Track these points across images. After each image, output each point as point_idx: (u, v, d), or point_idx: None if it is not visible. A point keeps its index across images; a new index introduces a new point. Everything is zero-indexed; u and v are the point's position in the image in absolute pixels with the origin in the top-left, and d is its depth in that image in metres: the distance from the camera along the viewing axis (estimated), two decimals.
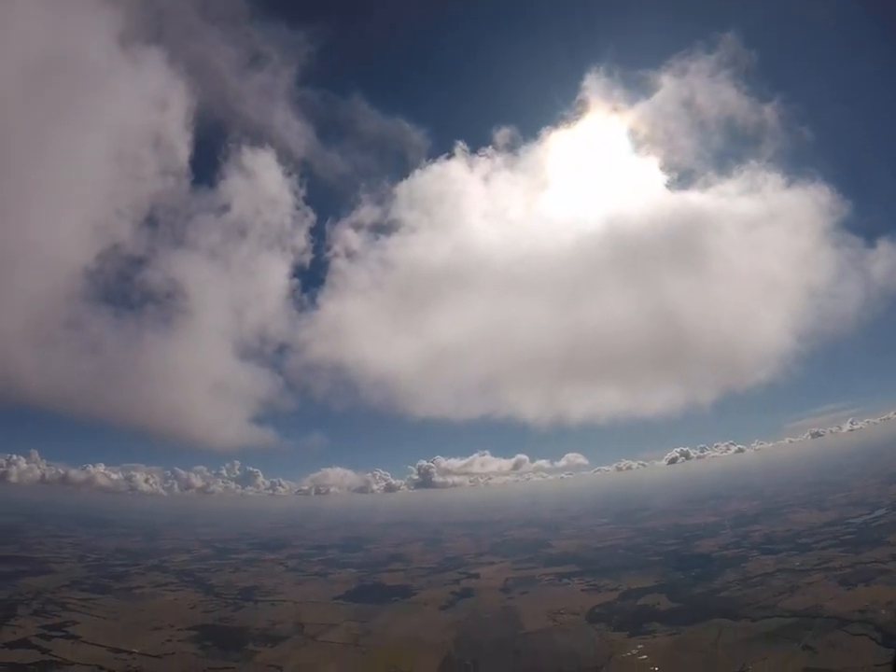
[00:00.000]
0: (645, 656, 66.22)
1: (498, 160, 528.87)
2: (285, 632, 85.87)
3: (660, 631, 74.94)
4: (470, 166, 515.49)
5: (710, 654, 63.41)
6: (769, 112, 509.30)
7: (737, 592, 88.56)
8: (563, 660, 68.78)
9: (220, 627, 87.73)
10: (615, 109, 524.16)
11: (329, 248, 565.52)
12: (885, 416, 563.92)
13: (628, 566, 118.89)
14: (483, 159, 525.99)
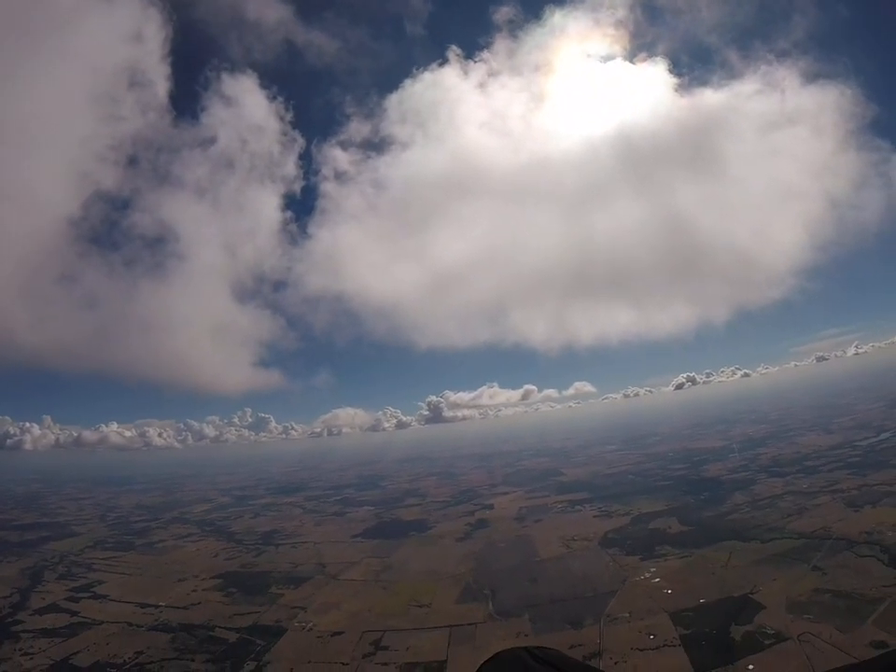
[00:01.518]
0: (658, 579, 68.25)
1: (495, 63, 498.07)
2: (307, 573, 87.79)
3: (672, 554, 76.99)
4: (465, 72, 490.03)
5: (721, 576, 65.47)
6: None
7: (746, 514, 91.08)
8: (578, 585, 70.75)
9: (244, 573, 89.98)
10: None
11: (317, 173, 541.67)
12: (890, 340, 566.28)
13: (638, 491, 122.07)
14: (479, 64, 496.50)
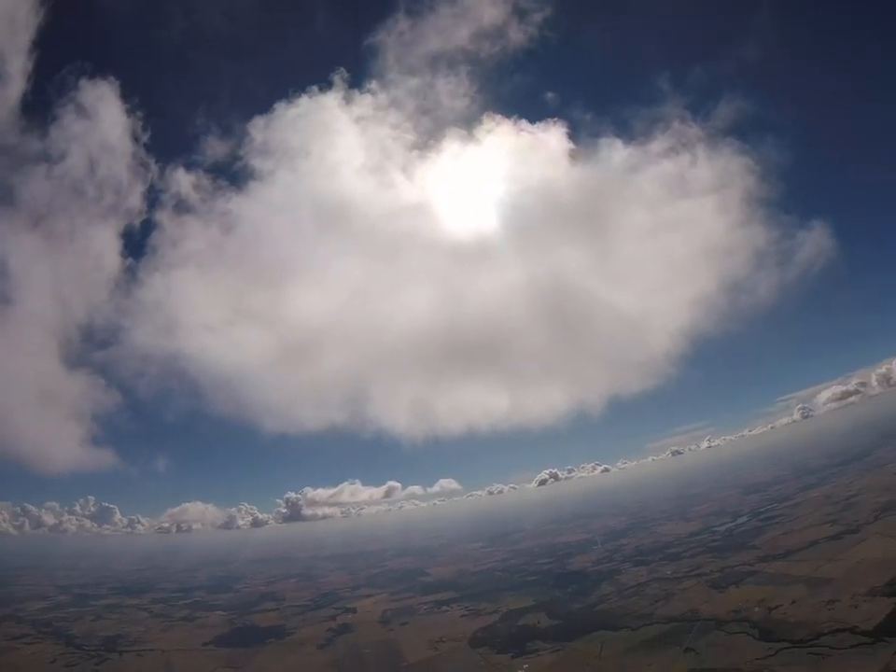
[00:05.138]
0: None
1: (382, 96, 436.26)
2: None
3: (543, 649, 76.44)
4: (348, 102, 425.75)
5: (595, 666, 65.14)
6: None
7: (614, 603, 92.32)
8: None
9: None
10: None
11: (162, 207, 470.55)
12: (740, 433, 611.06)
13: (506, 587, 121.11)
14: (365, 95, 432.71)
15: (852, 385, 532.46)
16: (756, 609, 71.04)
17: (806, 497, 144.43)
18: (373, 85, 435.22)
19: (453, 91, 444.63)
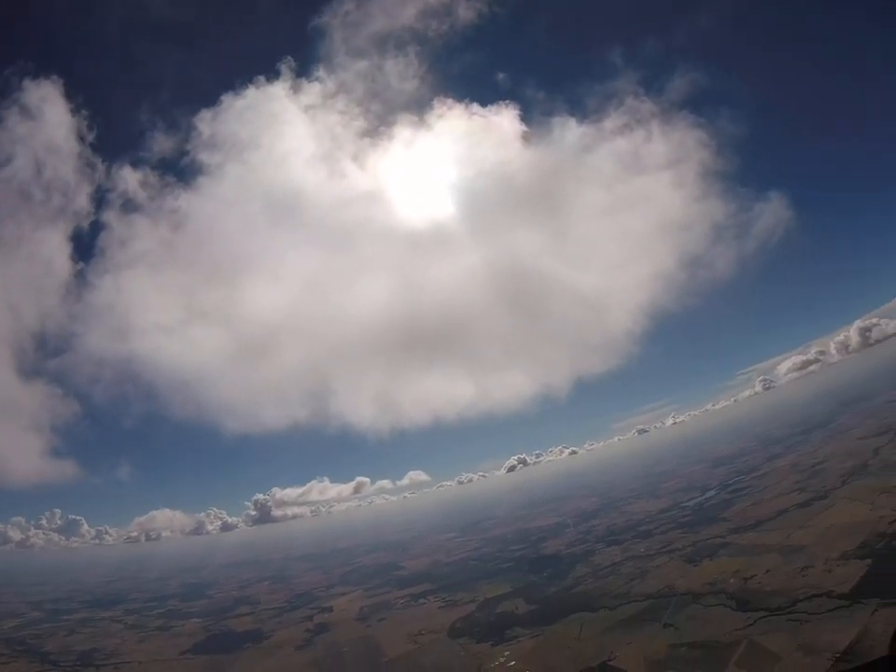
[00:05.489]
0: (513, 662, 66.72)
1: (331, 84, 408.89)
2: None
3: (523, 635, 76.14)
4: (296, 92, 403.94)
5: (576, 649, 64.85)
6: None
7: (591, 585, 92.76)
8: None
9: None
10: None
11: (109, 206, 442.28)
12: (704, 408, 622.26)
13: (481, 576, 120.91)
14: (314, 84, 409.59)
15: (811, 354, 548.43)
16: (731, 580, 71.62)
17: (773, 466, 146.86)
18: (321, 71, 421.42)
19: (402, 72, 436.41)
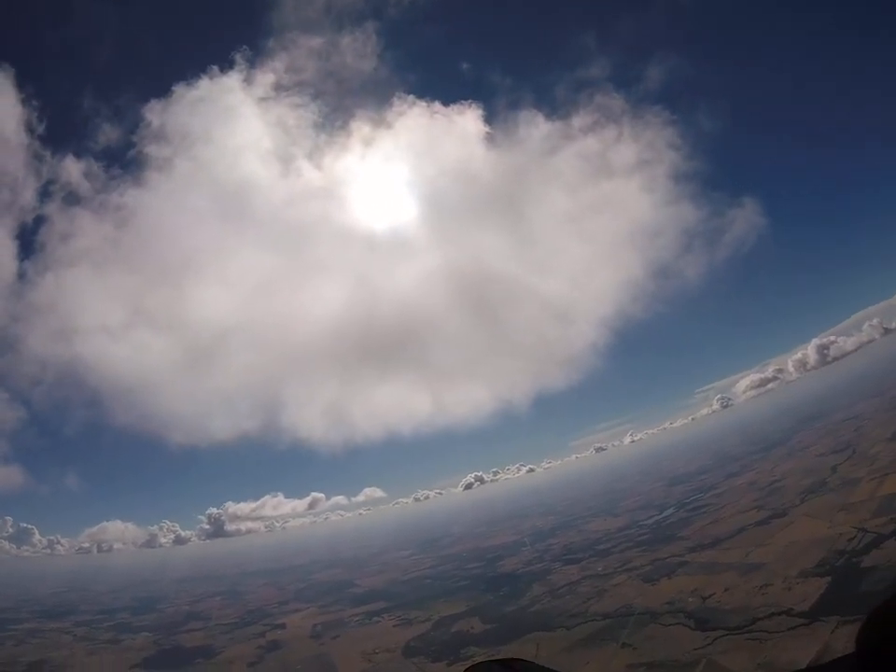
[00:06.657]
0: None
1: (285, 74, 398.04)
2: None
3: (479, 654, 74.94)
4: (250, 83, 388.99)
5: None
6: None
7: (548, 604, 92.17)
8: None
9: None
10: None
11: (51, 198, 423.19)
12: (661, 427, 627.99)
13: (437, 594, 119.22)
14: (266, 74, 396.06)
15: (769, 372, 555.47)
16: (690, 599, 71.41)
17: (731, 484, 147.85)
18: (273, 44, 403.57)
19: (359, 50, 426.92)
